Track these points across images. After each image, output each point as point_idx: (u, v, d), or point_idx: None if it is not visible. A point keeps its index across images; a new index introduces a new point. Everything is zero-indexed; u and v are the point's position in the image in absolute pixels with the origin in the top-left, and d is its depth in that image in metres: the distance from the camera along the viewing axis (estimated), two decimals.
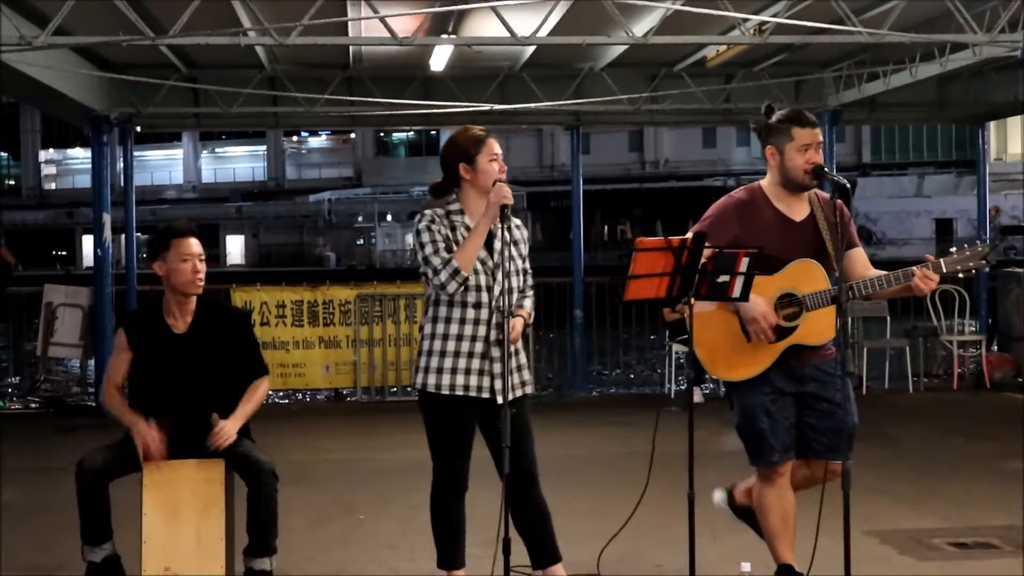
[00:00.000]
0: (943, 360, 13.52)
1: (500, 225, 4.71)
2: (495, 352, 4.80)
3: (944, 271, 4.77)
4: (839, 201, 4.80)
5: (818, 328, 4.84)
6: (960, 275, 4.86)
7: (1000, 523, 6.69)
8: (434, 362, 4.84)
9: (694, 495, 4.70)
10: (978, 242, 4.89)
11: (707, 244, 4.63)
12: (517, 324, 4.84)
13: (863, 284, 4.86)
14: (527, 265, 5.05)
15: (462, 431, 4.87)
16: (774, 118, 4.95)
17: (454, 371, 4.81)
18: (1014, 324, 13.17)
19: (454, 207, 4.90)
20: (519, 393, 4.93)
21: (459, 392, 4.80)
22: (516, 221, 5.01)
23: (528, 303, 5.04)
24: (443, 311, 4.85)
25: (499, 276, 4.77)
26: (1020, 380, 12.67)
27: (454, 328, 4.83)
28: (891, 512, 6.94)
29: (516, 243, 4.95)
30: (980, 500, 7.36)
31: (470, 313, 4.82)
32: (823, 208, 4.95)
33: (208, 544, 5.04)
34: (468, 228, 4.82)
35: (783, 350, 4.87)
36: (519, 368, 4.97)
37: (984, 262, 4.78)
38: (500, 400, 4.72)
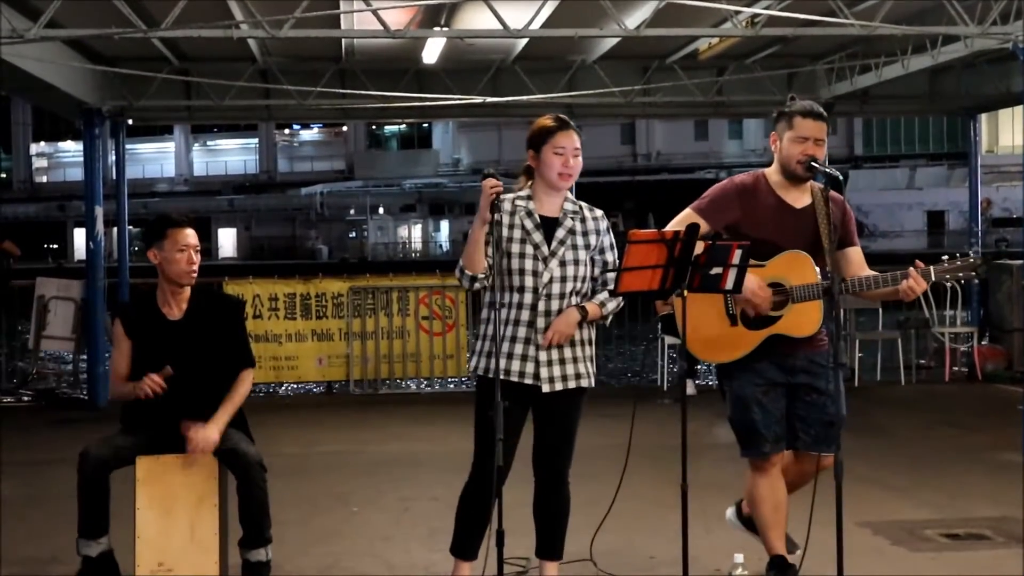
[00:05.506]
0: (935, 352, 13.53)
1: (491, 217, 4.65)
2: (540, 339, 4.76)
3: (933, 279, 4.81)
4: (841, 198, 4.84)
5: (801, 321, 4.88)
6: (949, 284, 4.92)
7: (992, 514, 6.71)
8: (485, 346, 4.81)
9: (687, 487, 4.71)
10: (971, 253, 4.93)
11: (703, 222, 4.65)
12: (570, 316, 4.76)
13: (854, 282, 4.90)
14: (607, 256, 4.92)
15: (505, 416, 4.68)
16: (787, 105, 5.01)
17: (498, 355, 4.74)
18: (1006, 316, 13.20)
19: (523, 192, 4.93)
20: (571, 385, 4.86)
21: (501, 376, 4.72)
22: (598, 212, 4.98)
23: (602, 295, 4.89)
24: (495, 296, 4.81)
25: (552, 264, 4.77)
26: (1012, 372, 12.70)
27: (502, 312, 4.81)
28: (884, 503, 6.96)
29: (587, 233, 4.89)
30: (972, 491, 7.38)
31: (514, 297, 4.79)
32: (826, 203, 4.95)
33: (202, 539, 5.02)
34: (529, 213, 4.83)
35: (766, 339, 4.92)
36: (573, 360, 4.86)
37: (974, 274, 4.82)
38: (545, 389, 4.75)
